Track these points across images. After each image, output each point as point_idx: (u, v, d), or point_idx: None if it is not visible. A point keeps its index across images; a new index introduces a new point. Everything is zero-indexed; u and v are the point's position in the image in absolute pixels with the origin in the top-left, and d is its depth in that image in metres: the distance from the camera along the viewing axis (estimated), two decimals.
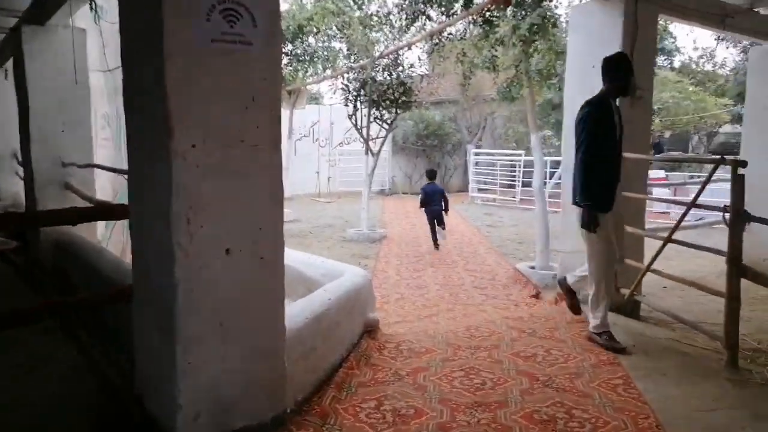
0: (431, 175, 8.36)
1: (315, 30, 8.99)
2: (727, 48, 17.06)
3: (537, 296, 4.94)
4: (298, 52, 9.94)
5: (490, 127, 17.32)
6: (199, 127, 2.08)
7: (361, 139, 9.11)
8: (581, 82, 4.32)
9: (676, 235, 3.59)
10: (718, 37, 15.91)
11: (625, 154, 3.97)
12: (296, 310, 2.76)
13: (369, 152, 9.00)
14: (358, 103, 9.04)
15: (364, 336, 3.39)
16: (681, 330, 3.79)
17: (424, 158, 16.96)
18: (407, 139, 16.76)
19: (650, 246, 4.45)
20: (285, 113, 11.27)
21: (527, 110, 5.86)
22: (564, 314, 4.03)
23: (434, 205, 7.71)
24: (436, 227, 7.75)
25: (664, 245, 3.57)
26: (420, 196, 8.04)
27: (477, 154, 14.99)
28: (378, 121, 9.06)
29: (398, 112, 9.11)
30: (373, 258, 7.22)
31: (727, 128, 15.81)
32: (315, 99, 18.10)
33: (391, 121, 9.16)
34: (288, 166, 11.24)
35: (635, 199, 4.12)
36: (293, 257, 4.28)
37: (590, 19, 4.24)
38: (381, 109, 8.98)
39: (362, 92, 8.89)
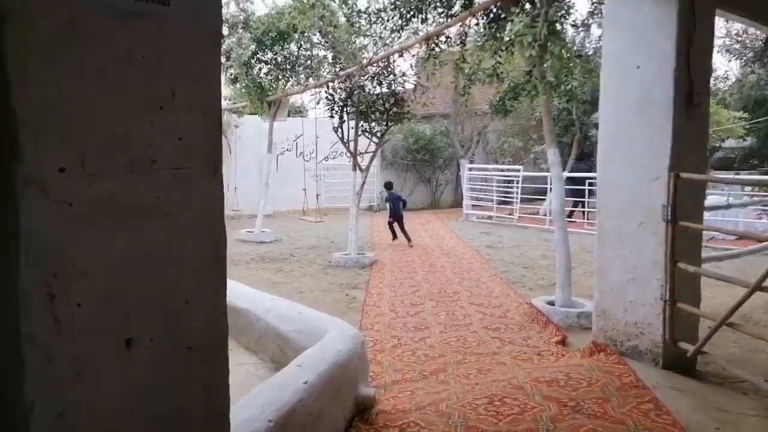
0: (389, 186, 10.27)
1: (294, 29, 8.07)
2: (729, 61, 16.55)
3: (563, 342, 4.09)
4: (279, 59, 9.10)
5: (482, 142, 16.65)
6: (73, 138, 1.22)
7: (348, 154, 8.27)
8: (621, 86, 3.53)
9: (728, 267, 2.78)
10: (720, 50, 15.38)
11: (684, 174, 3.19)
12: (256, 406, 1.88)
13: (357, 168, 8.13)
14: (345, 115, 8.21)
15: (354, 421, 2.51)
16: (758, 394, 3.00)
17: (414, 173, 16.27)
18: (396, 154, 16.05)
19: (706, 285, 3.67)
20: (264, 125, 10.41)
21: (543, 121, 5.04)
22: (609, 374, 3.18)
23: (397, 209, 9.61)
24: (399, 228, 9.52)
25: (750, 293, 2.71)
26: (389, 206, 9.74)
27: (471, 169, 14.21)
28: (366, 134, 8.23)
29: (389, 124, 8.29)
30: (363, 288, 6.34)
31: (731, 143, 15.20)
32: (299, 111, 17.26)
33: (381, 134, 8.33)
34: (269, 182, 10.41)
35: (691, 229, 3.32)
36: (264, 305, 3.39)
37: (634, 10, 3.44)
38: (370, 121, 8.15)
39: (349, 102, 8.06)
